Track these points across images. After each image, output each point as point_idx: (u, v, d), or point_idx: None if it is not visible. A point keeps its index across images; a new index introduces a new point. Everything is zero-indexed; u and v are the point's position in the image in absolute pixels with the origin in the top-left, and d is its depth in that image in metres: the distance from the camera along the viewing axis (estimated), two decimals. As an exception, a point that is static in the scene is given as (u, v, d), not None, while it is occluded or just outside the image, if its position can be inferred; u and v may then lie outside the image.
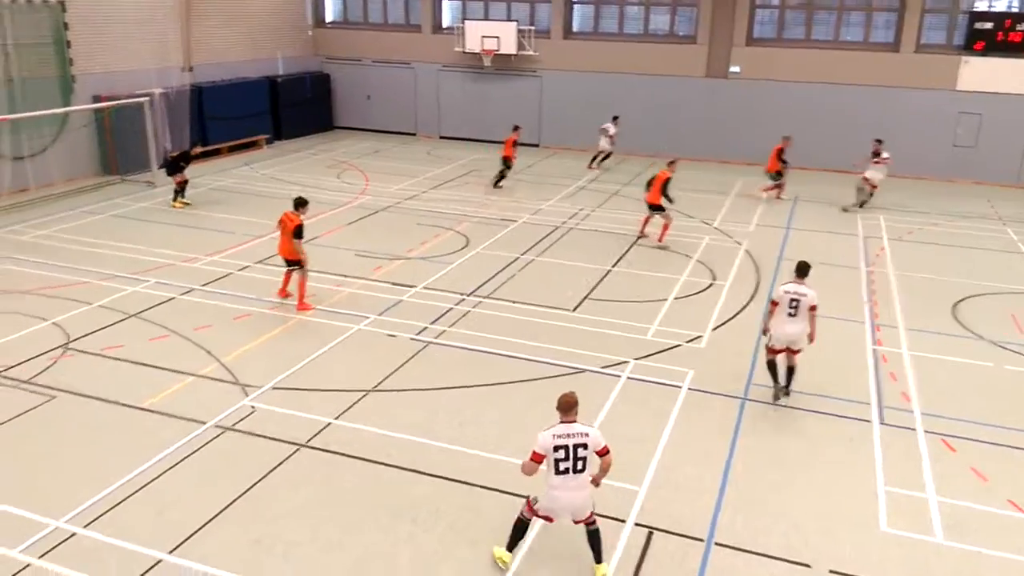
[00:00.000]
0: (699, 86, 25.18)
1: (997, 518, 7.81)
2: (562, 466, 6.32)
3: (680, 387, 10.23)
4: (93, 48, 20.61)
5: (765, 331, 9.93)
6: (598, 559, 6.74)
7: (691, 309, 12.94)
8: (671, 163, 16.67)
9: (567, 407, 6.43)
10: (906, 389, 10.41)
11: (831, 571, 7.00)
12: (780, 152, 20.09)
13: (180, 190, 18.38)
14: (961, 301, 13.59)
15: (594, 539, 6.71)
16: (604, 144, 23.76)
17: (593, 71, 26.12)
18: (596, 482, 6.57)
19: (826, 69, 23.87)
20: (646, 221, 16.81)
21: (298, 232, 12.16)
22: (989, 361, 11.32)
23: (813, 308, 9.52)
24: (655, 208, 16.28)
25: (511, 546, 6.85)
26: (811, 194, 21.15)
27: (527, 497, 6.87)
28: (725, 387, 10.26)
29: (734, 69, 24.85)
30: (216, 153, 24.16)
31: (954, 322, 12.74)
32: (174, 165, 18.34)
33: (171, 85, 22.62)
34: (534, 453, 6.34)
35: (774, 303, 9.70)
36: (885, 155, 19.33)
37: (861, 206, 19.47)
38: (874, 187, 19.38)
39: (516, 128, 21.50)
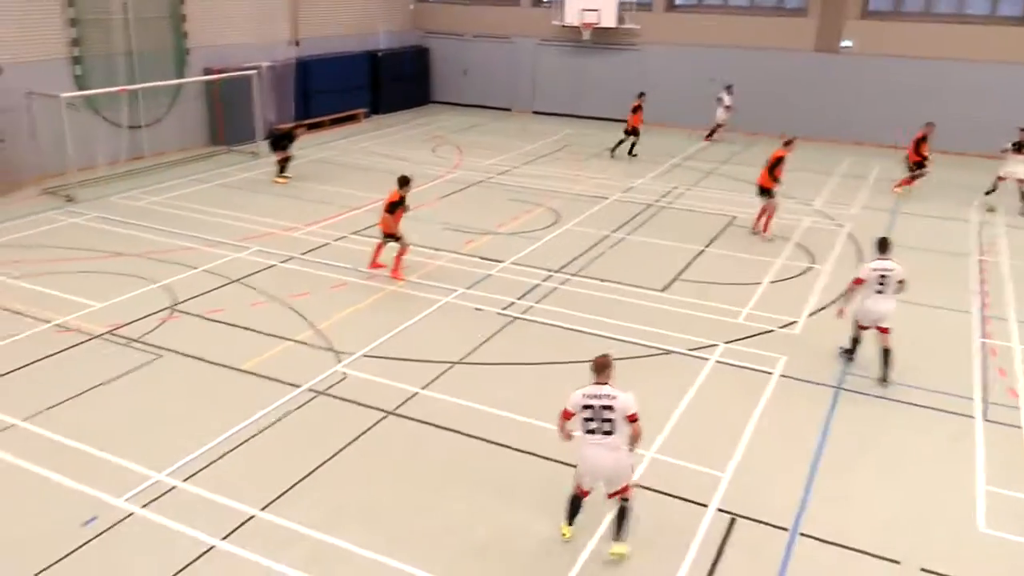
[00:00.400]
0: (808, 61, 24.11)
1: (1112, 528, 7.29)
2: (589, 426, 6.41)
3: (772, 373, 9.94)
4: (206, 22, 21.46)
5: (840, 313, 9.83)
6: (617, 536, 6.66)
7: (787, 293, 12.51)
8: (787, 142, 15.25)
9: (599, 368, 6.49)
10: (1014, 385, 9.79)
11: (923, 569, 6.71)
12: (921, 141, 18.01)
13: (282, 167, 18.84)
14: (1085, 294, 12.64)
15: (622, 515, 6.65)
16: (721, 115, 23.36)
17: (696, 45, 25.40)
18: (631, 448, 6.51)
19: (948, 44, 22.41)
20: (762, 212, 15.27)
21: (391, 207, 12.49)
22: (1113, 360, 10.52)
23: (901, 282, 9.47)
24: (764, 192, 14.94)
25: (570, 520, 6.91)
26: (925, 179, 19.98)
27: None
28: (819, 375, 9.91)
29: (846, 43, 23.66)
30: (318, 126, 24.86)
31: (1076, 317, 11.87)
32: (278, 142, 18.75)
33: (277, 59, 23.35)
34: (564, 410, 6.51)
35: (857, 280, 9.58)
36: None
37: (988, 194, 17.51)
38: (1021, 181, 16.97)
39: (641, 95, 21.67)
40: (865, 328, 9.82)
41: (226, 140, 21.88)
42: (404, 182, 12.69)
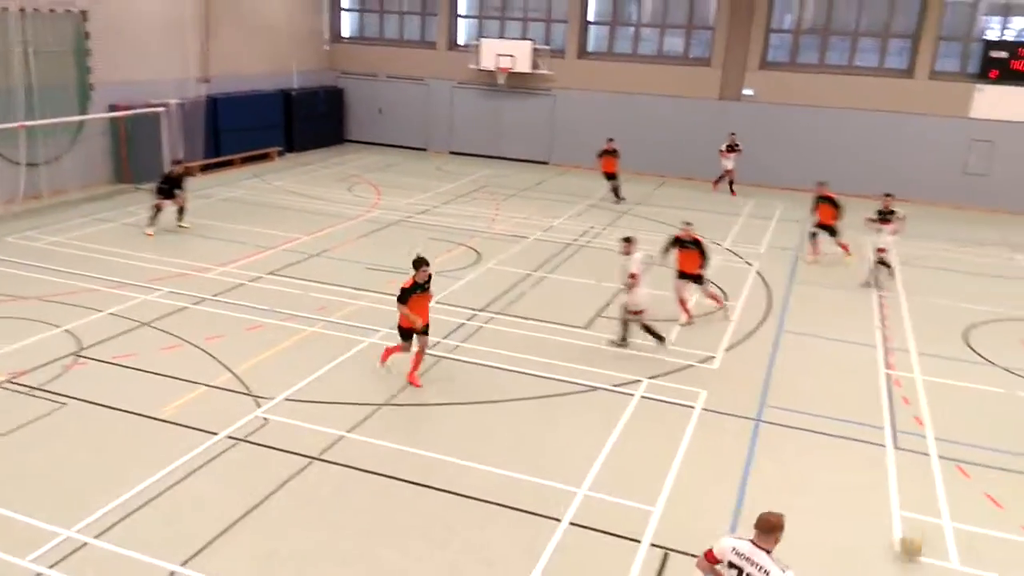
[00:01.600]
0: (712, 108, 25.26)
1: (1012, 544, 7.73)
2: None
3: (694, 407, 10.19)
4: (112, 57, 20.75)
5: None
6: None
7: (704, 330, 12.90)
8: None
9: (767, 528, 5.35)
10: (919, 414, 10.35)
11: (847, 597, 6.93)
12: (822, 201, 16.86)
13: (181, 212, 17.25)
14: (973, 327, 13.53)
15: None
16: (727, 163, 23.49)
17: (606, 91, 26.25)
18: None
19: (840, 94, 23.94)
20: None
21: (402, 296, 10.16)
22: (1001, 387, 11.26)
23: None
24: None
25: None
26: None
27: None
28: (739, 408, 10.21)
29: (747, 92, 24.94)
30: (229, 164, 24.30)
31: (966, 348, 12.68)
32: (169, 187, 17.07)
33: (187, 96, 22.78)
34: (709, 551, 5.53)
35: None
36: (900, 213, 15.91)
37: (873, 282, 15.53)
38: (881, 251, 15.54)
39: (610, 140, 22.01)
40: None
41: (133, 178, 21.07)
42: (418, 263, 10.33)
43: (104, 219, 17.86)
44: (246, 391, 10.07)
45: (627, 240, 11.87)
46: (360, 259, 15.76)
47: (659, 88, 25.69)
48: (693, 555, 7.27)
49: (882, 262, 15.56)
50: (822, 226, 16.93)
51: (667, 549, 7.41)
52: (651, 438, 9.41)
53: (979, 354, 12.41)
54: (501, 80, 26.91)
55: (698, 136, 25.39)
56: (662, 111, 25.66)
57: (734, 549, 5.38)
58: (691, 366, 11.46)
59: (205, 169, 23.41)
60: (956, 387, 11.23)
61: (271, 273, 14.61)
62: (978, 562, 7.43)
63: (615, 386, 10.69)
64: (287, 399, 9.92)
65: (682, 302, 13.19)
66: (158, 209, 16.94)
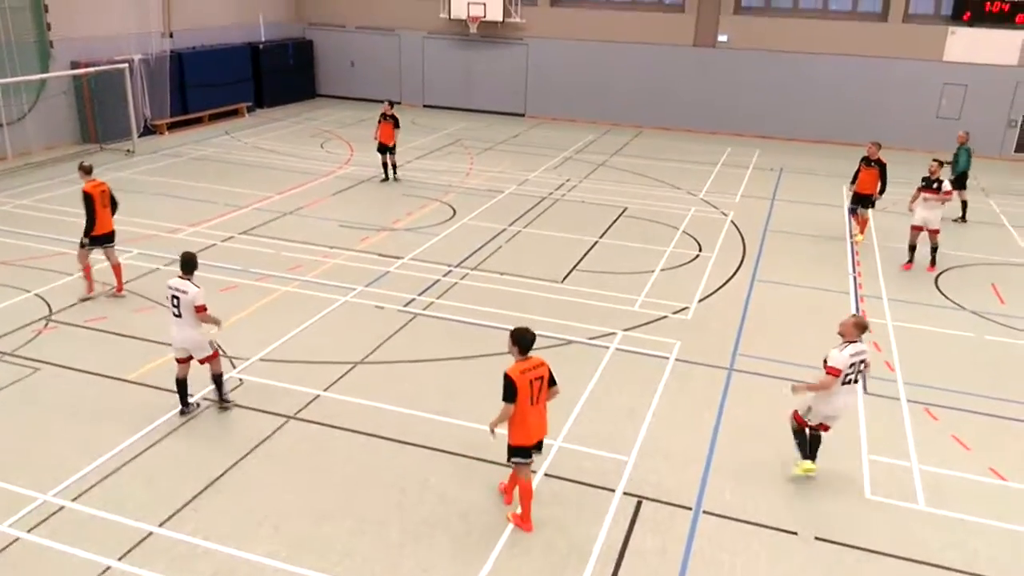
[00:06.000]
0: (688, 55, 25.01)
1: (978, 485, 7.95)
2: (848, 378, 7.46)
3: (668, 358, 10.29)
4: (71, 13, 20.11)
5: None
6: (811, 456, 7.85)
7: (678, 281, 12.97)
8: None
9: (862, 328, 7.56)
10: (890, 359, 10.53)
11: (817, 538, 7.12)
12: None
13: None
14: (943, 272, 13.71)
15: (816, 442, 7.85)
16: None
17: (580, 39, 25.86)
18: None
19: (813, 39, 23.76)
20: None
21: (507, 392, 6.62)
22: (970, 331, 11.46)
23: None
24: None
25: (811, 456, 7.85)
26: (797, 166, 21.17)
27: (794, 411, 7.86)
28: (712, 358, 10.33)
29: (722, 38, 24.69)
30: (197, 122, 23.81)
31: (936, 293, 12.86)
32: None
33: (151, 51, 22.18)
34: (833, 368, 7.39)
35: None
36: (946, 185, 13.36)
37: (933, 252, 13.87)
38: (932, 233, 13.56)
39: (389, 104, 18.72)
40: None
41: (98, 138, 20.64)
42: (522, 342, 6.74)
43: (70, 181, 17.44)
44: (221, 352, 9.99)
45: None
46: (333, 216, 15.61)
47: (633, 36, 25.35)
48: (666, 502, 7.46)
49: (933, 248, 13.57)
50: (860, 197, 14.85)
51: (640, 497, 7.55)
52: (625, 389, 9.52)
53: (949, 299, 12.60)
54: (473, 29, 26.42)
55: (674, 84, 25.18)
56: (637, 59, 25.37)
57: (850, 354, 7.42)
58: (665, 317, 11.55)
59: (173, 127, 22.93)
60: (926, 332, 11.41)
61: (243, 232, 14.44)
62: (944, 503, 7.64)
63: (590, 339, 10.76)
64: (262, 359, 9.90)
65: None
66: None
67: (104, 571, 6.37)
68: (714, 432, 8.71)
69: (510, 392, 6.51)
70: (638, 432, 8.62)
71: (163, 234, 14.20)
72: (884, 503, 7.63)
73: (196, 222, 14.90)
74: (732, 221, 16.23)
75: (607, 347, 10.54)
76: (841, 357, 7.40)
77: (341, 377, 9.55)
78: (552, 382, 6.79)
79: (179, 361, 8.52)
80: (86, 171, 11.41)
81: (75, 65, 20.09)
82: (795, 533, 7.18)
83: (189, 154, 20.33)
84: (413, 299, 11.81)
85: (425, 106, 28.15)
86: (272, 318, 11.06)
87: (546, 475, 7.80)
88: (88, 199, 11.09)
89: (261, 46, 26.44)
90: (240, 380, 9.38)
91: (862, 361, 7.53)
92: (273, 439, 8.29)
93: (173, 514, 7.07)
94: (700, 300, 12.23)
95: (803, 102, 23.93)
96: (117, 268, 11.60)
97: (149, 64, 21.99)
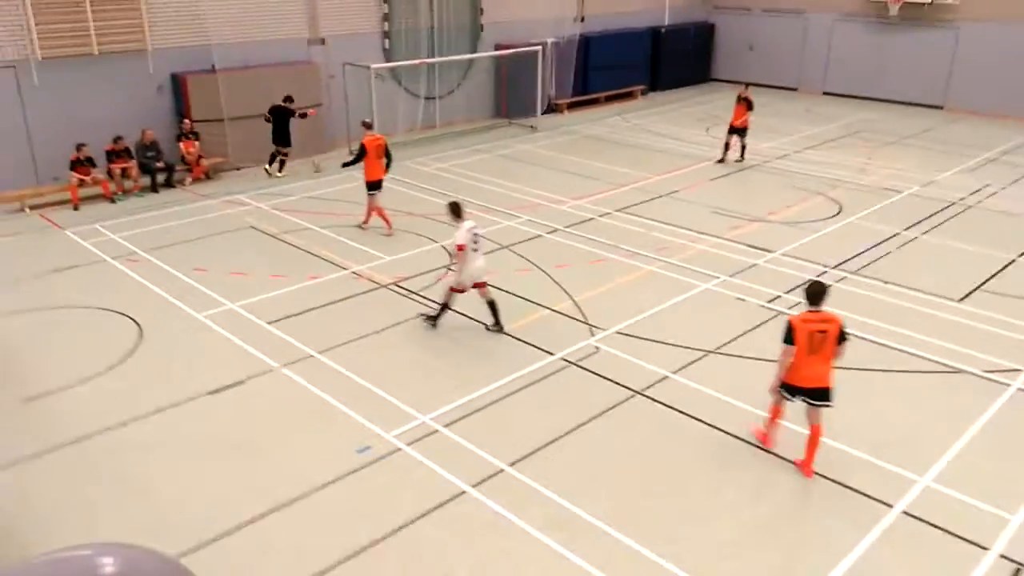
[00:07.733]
0: None
1: None
2: None
3: (1089, 410, 8.45)
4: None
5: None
6: None
7: (1119, 319, 10.53)
8: None
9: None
10: None
11: None
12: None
13: (280, 162, 17.20)
14: None
15: None
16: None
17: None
18: None
19: None
20: None
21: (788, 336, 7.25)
22: None
23: None
24: None
25: None
26: None
27: None
28: None
29: None
30: (594, 102, 25.20)
31: None
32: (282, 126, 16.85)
33: (562, 35, 23.94)
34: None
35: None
36: None
37: None
38: None
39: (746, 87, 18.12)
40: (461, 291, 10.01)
41: (508, 113, 22.95)
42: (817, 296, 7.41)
43: (481, 150, 19.76)
44: (583, 319, 10.60)
45: (454, 208, 10.18)
46: (708, 202, 15.47)
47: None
48: (1056, 580, 6.19)
49: None
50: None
51: (1020, 564, 6.35)
52: (1021, 437, 8.04)
53: None
54: (893, 11, 23.95)
55: None
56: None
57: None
58: (1094, 360, 9.46)
59: (572, 107, 24.56)
60: None
61: (619, 210, 15.02)
62: None
63: (986, 371, 9.26)
64: (618, 332, 10.25)
65: None
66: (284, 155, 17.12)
67: (460, 494, 7.19)
68: None
69: (788, 335, 7.14)
70: (1031, 489, 7.25)
71: (549, 204, 15.37)
72: None
73: (579, 196, 15.86)
74: None
75: (1008, 384, 8.98)
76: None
77: (691, 363, 9.50)
78: (842, 339, 7.14)
79: (476, 286, 10.08)
80: (367, 126, 13.75)
81: (498, 47, 22.51)
82: None
83: (583, 132, 21.63)
84: (779, 296, 11.25)
85: (824, 93, 26.38)
86: (632, 295, 11.36)
87: (903, 512, 6.95)
88: (362, 149, 13.20)
89: (663, 30, 26.97)
90: (596, 348, 9.84)
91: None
92: (618, 409, 8.57)
93: (523, 457, 7.70)
94: None
95: None
96: (380, 211, 13.57)
97: (559, 47, 23.76)
